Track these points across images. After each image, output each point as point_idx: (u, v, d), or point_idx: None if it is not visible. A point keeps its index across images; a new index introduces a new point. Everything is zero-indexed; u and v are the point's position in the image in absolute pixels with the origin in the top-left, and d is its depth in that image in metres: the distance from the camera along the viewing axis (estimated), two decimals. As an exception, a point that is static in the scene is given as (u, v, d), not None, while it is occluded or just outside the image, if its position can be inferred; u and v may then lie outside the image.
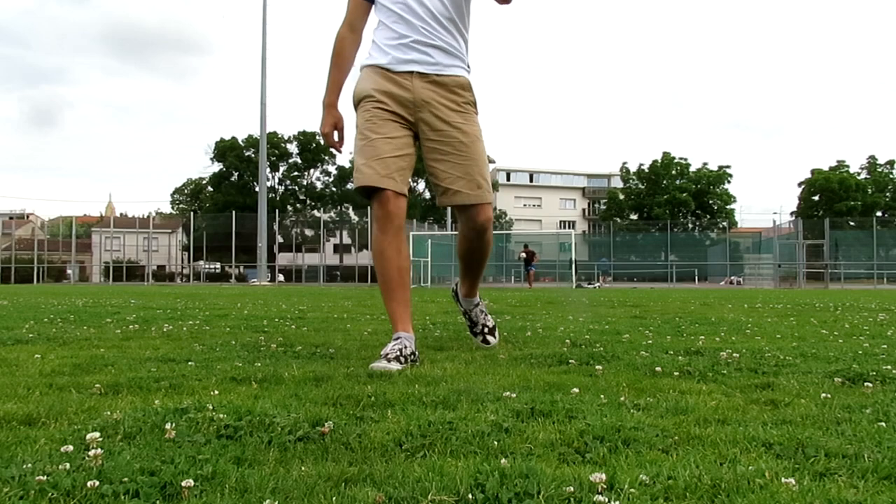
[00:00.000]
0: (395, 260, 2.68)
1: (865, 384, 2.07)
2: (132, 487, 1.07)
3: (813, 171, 50.99)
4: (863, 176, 50.39)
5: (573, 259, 27.95)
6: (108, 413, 1.60)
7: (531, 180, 73.62)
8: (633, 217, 52.32)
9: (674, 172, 51.45)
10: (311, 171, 52.91)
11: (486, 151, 2.83)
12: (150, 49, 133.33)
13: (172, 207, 60.23)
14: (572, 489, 1.07)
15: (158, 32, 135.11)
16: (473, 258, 3.04)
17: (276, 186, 51.84)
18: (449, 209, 38.15)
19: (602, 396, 1.86)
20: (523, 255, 25.70)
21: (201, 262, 44.44)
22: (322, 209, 50.53)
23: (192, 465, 1.19)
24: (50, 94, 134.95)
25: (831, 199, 48.40)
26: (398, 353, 2.47)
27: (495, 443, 1.38)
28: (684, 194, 49.68)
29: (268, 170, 42.14)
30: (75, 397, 1.85)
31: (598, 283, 27.65)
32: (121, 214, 65.03)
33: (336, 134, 2.85)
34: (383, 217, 2.66)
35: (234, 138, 51.34)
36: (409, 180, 2.80)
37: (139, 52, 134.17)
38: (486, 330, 3.16)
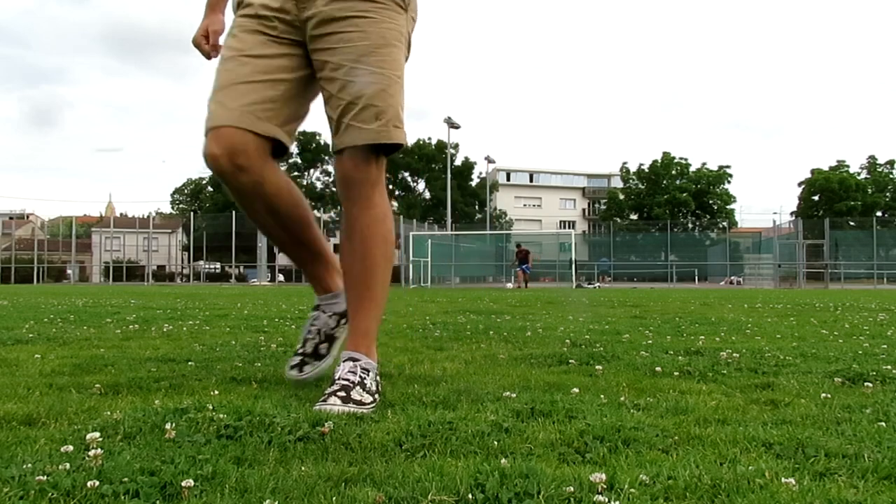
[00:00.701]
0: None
1: (865, 384, 2.07)
2: (132, 487, 1.07)
3: (813, 171, 50.99)
4: (863, 176, 50.38)
5: (573, 259, 27.90)
6: (108, 413, 1.60)
7: (531, 180, 73.60)
8: (633, 217, 52.30)
9: (674, 172, 51.44)
10: (311, 171, 52.92)
11: (401, 68, 1.86)
12: (150, 49, 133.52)
13: (172, 207, 60.22)
14: (572, 489, 1.07)
15: (159, 32, 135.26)
16: (351, 260, 1.92)
17: (276, 186, 51.75)
18: (450, 210, 38.18)
19: (602, 396, 1.86)
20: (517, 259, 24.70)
21: (201, 262, 44.40)
22: (322, 209, 50.50)
23: (192, 465, 1.19)
24: (50, 94, 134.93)
25: (831, 199, 48.40)
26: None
27: (495, 443, 1.38)
28: (684, 194, 49.67)
29: (268, 170, 42.02)
30: (75, 397, 1.85)
31: (597, 284, 27.59)
32: (121, 214, 64.99)
33: (208, 40, 2.00)
34: (235, 173, 1.83)
35: (234, 138, 51.28)
36: (293, 126, 1.91)
37: (139, 52, 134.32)
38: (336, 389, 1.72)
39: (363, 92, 1.77)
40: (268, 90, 1.81)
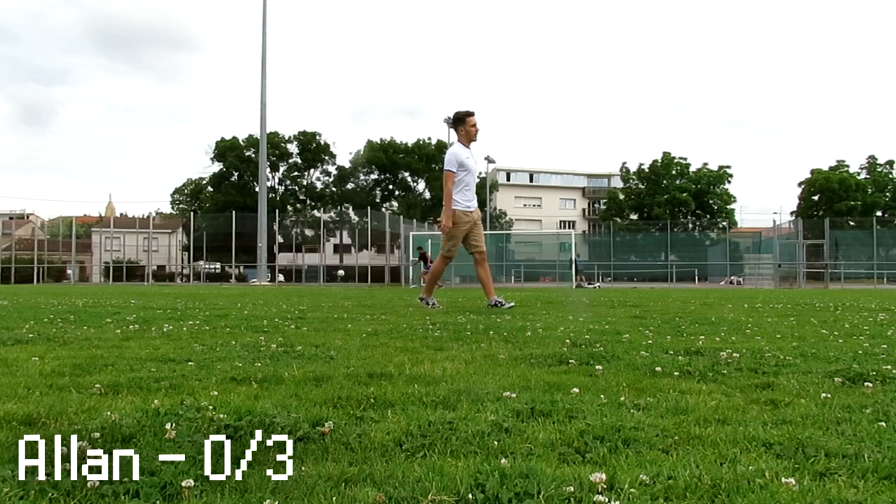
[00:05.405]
0: None
1: (865, 384, 2.07)
2: (132, 487, 1.07)
3: (813, 171, 50.98)
4: (863, 176, 50.37)
5: (573, 259, 27.88)
6: (108, 413, 1.60)
7: (531, 180, 73.60)
8: (633, 217, 52.31)
9: (674, 172, 51.44)
10: (311, 171, 52.89)
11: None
12: (151, 49, 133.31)
13: (172, 207, 60.23)
14: (572, 489, 1.07)
15: (159, 32, 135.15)
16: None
17: (276, 186, 51.77)
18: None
19: (602, 396, 1.86)
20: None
21: (201, 263, 44.39)
22: (322, 209, 50.49)
23: (192, 465, 1.19)
24: (50, 95, 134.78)
25: (831, 198, 48.40)
26: None
27: (495, 443, 1.38)
28: (684, 194, 49.68)
29: (268, 170, 42.13)
30: (75, 397, 1.85)
31: (597, 284, 27.52)
32: (121, 214, 64.96)
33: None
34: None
35: (234, 138, 51.28)
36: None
37: (140, 52, 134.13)
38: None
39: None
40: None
